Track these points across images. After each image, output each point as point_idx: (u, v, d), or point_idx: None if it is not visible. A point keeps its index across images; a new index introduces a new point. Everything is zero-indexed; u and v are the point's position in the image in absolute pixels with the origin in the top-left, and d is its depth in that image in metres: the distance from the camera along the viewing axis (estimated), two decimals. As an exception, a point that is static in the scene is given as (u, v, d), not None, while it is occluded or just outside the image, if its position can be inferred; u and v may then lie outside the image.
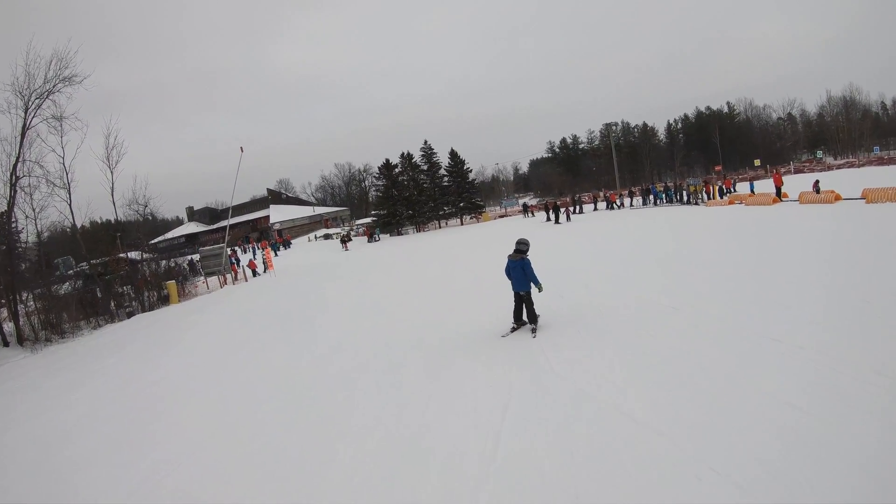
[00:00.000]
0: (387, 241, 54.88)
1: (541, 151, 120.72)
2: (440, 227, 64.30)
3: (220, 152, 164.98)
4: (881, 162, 59.42)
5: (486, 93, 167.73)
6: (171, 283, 30.08)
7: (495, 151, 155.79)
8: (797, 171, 62.60)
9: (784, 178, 35.71)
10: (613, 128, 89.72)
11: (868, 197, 23.49)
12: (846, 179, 36.37)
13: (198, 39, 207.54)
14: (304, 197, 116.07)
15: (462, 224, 64.66)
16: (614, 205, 45.31)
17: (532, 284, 10.02)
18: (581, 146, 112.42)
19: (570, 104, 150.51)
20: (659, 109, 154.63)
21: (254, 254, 51.53)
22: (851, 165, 62.53)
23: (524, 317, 10.47)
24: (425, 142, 67.19)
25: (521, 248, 10.27)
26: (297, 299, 21.62)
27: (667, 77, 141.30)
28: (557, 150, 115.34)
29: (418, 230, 64.52)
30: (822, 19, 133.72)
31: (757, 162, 68.03)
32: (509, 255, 10.37)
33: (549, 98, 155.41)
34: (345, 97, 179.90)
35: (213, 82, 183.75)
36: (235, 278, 34.95)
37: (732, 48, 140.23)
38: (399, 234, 63.16)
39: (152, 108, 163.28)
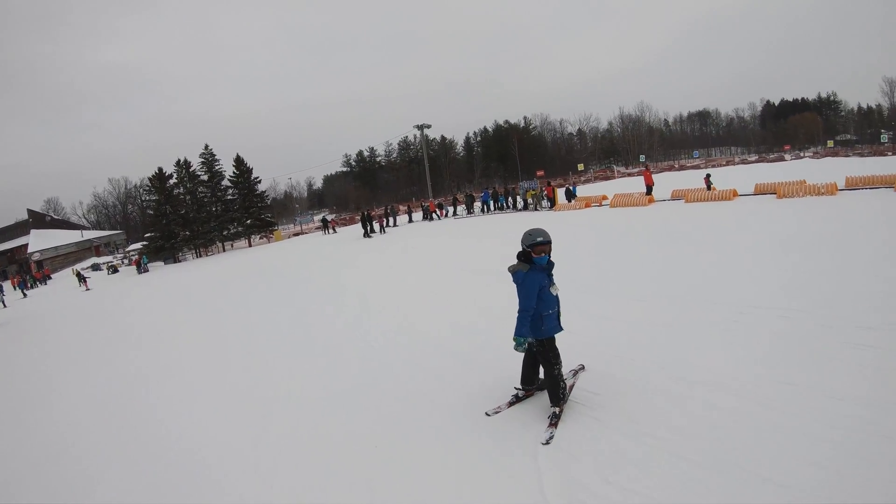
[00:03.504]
0: (158, 272, 44.01)
1: (336, 165, 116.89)
2: (224, 250, 56.68)
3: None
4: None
5: (283, 105, 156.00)
6: None
7: (288, 166, 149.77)
8: (597, 178, 70.94)
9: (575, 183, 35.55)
10: (412, 139, 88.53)
11: (780, 192, 25.18)
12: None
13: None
14: (75, 219, 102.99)
15: (250, 245, 57.67)
16: (434, 215, 42.38)
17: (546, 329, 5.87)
18: (378, 159, 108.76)
19: (364, 117, 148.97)
20: (460, 125, 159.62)
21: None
22: (640, 173, 68.55)
23: (542, 382, 6.51)
24: (206, 146, 58.49)
25: (530, 245, 5.79)
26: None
27: (470, 93, 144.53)
28: (354, 163, 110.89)
29: (199, 255, 56.00)
30: (620, 50, 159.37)
31: (540, 172, 70.06)
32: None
33: (348, 111, 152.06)
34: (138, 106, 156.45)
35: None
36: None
37: (534, 69, 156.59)
38: (176, 260, 53.96)
39: None
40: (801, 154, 76.03)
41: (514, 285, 5.76)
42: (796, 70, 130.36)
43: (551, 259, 5.90)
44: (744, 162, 75.94)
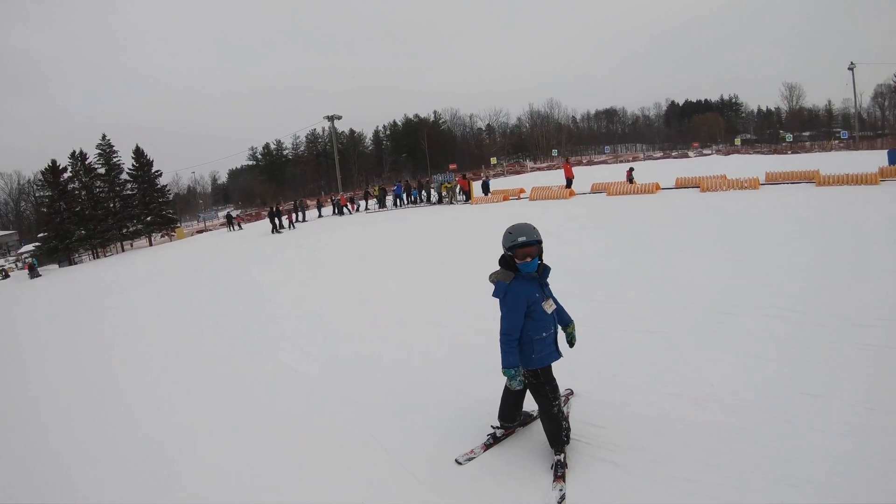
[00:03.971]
0: (52, 277, 38.33)
1: (242, 158, 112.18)
2: (123, 250, 51.80)
3: None
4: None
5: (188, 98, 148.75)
6: None
7: (192, 159, 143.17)
8: (509, 172, 72.63)
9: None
10: (321, 132, 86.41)
11: (703, 186, 25.37)
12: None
13: None
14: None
15: (151, 244, 53.11)
16: (345, 209, 39.69)
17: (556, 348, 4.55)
18: (286, 152, 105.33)
19: (271, 110, 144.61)
20: (370, 119, 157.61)
21: None
22: (551, 167, 73.76)
23: (526, 418, 5.17)
24: (104, 137, 53.54)
25: (511, 247, 4.36)
26: None
27: (380, 88, 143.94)
28: (260, 156, 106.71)
29: (96, 256, 50.92)
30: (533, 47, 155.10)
31: (453, 166, 69.68)
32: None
33: (254, 103, 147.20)
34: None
35: None
36: None
37: (447, 65, 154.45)
38: (71, 262, 48.58)
39: None
40: (705, 151, 78.78)
41: (496, 300, 4.44)
42: (701, 73, 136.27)
43: (544, 263, 4.47)
44: (649, 158, 77.99)
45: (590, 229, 17.09)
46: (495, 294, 4.35)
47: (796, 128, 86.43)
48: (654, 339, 6.95)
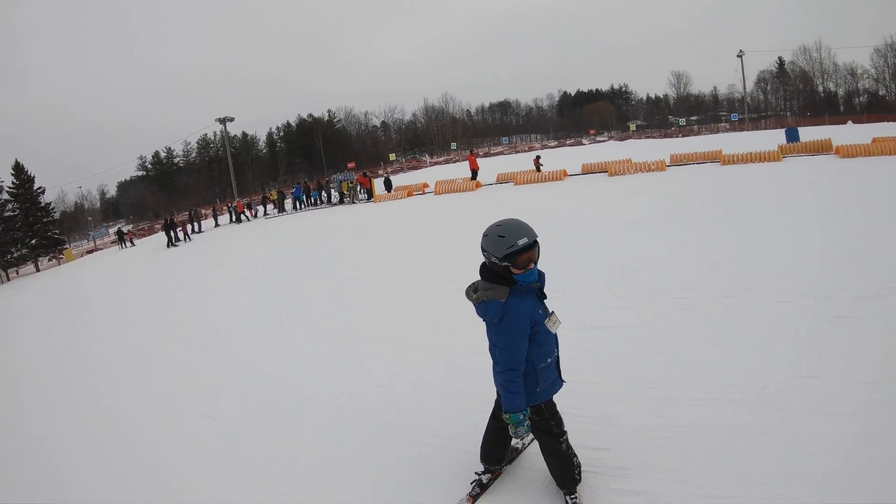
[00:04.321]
0: None
1: (131, 169, 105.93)
2: (9, 279, 46.03)
3: None
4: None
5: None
6: None
7: (77, 173, 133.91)
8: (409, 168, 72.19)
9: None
10: (213, 136, 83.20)
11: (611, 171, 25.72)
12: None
13: None
14: None
15: (38, 270, 47.11)
16: (243, 216, 37.52)
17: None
18: (177, 160, 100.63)
19: (159, 115, 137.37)
20: (262, 121, 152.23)
21: None
22: (448, 161, 74.74)
23: (514, 455, 4.29)
24: None
25: (506, 255, 3.21)
26: None
27: (272, 88, 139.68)
28: (150, 166, 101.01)
29: None
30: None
31: (351, 164, 68.45)
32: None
33: (143, 108, 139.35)
34: None
35: None
36: None
37: (339, 62, 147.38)
38: None
39: None
40: (599, 138, 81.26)
41: (484, 323, 3.43)
42: (592, 64, 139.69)
43: (540, 270, 3.45)
44: (544, 147, 79.27)
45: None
46: (487, 317, 3.32)
47: (684, 113, 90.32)
48: (614, 334, 6.40)
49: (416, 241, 15.82)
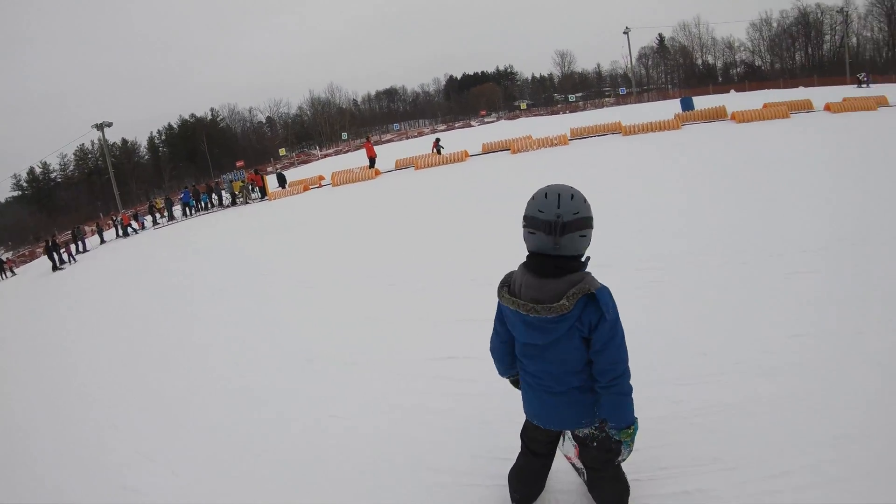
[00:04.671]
0: None
1: (5, 191, 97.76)
2: None
3: None
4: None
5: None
6: None
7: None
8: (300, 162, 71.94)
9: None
10: (90, 145, 78.40)
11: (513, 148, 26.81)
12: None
13: None
14: None
15: None
16: (130, 228, 34.99)
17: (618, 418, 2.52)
18: (54, 175, 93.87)
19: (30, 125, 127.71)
20: (141, 124, 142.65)
21: None
22: (338, 153, 75.17)
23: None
24: None
25: (588, 228, 2.38)
26: None
27: (149, 87, 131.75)
28: (25, 184, 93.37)
29: None
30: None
31: (240, 163, 66.45)
32: (507, 288, 2.55)
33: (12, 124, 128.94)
34: None
35: None
36: None
37: (219, 57, 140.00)
38: None
39: None
40: (487, 120, 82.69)
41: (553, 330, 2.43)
42: (478, 47, 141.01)
43: None
44: (433, 131, 79.73)
45: (429, 203, 16.17)
46: (585, 321, 2.34)
47: (569, 90, 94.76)
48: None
49: (329, 237, 14.73)
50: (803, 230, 7.43)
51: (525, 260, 2.48)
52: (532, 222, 2.33)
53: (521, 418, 2.95)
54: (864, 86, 43.35)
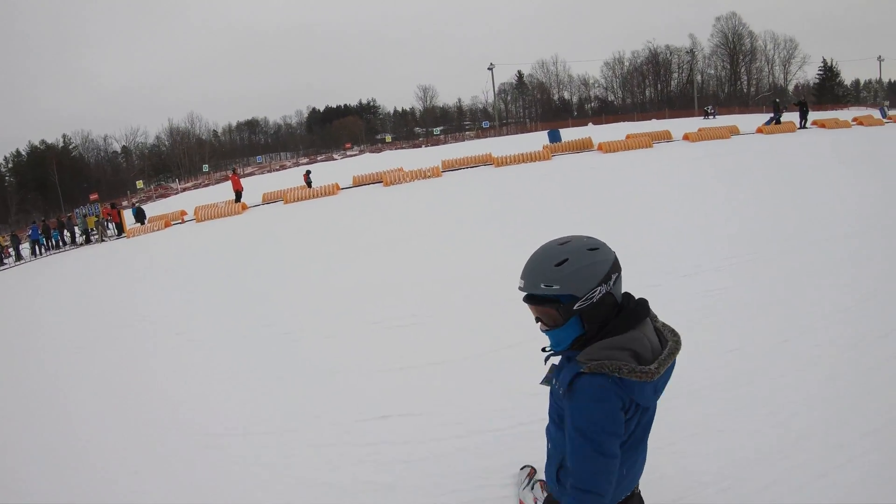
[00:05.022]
0: None
1: None
2: None
3: None
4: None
5: None
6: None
7: None
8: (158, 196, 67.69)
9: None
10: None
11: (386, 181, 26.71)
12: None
13: None
14: None
15: None
16: None
17: None
18: None
19: None
20: None
21: None
22: (197, 186, 71.72)
23: None
24: None
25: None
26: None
27: None
28: None
29: None
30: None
31: (94, 196, 62.52)
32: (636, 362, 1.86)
33: None
34: None
35: None
36: None
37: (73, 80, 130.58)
38: None
39: None
40: (349, 153, 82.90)
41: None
42: (340, 79, 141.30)
43: None
44: (297, 164, 78.62)
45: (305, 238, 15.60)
46: (659, 392, 1.96)
47: (430, 124, 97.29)
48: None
49: (203, 279, 12.93)
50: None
51: (622, 317, 1.94)
52: (616, 265, 1.94)
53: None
54: (710, 117, 49.28)
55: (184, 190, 71.32)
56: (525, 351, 4.53)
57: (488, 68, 73.39)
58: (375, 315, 7.52)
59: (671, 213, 11.15)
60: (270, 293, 10.05)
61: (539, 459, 3.24)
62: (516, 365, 4.95)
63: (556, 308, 1.90)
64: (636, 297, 2.01)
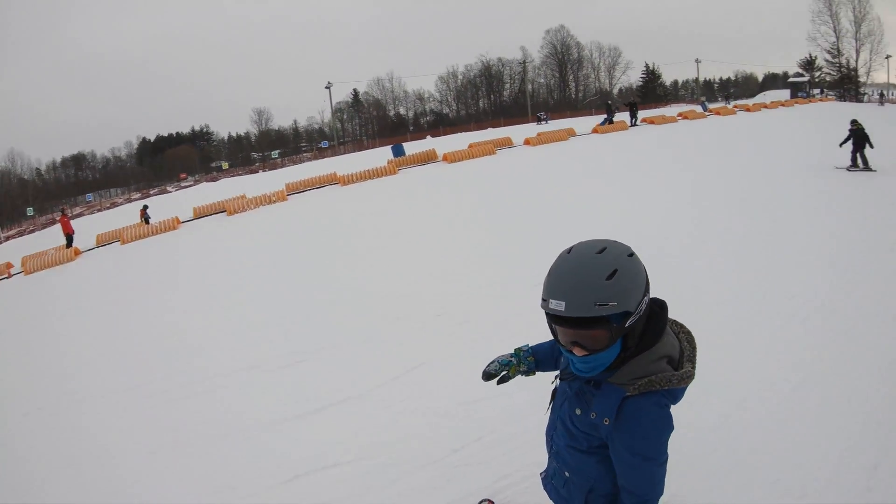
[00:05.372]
0: None
1: None
2: None
3: None
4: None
5: None
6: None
7: None
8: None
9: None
10: None
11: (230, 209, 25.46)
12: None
13: None
14: None
15: None
16: None
17: None
18: None
19: None
20: None
21: None
22: (22, 233, 65.81)
23: None
24: None
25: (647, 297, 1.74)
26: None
27: None
28: None
29: None
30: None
31: None
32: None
33: None
34: None
35: None
36: None
37: None
38: None
39: None
40: (183, 184, 79.97)
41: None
42: (170, 106, 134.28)
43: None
44: (128, 200, 74.44)
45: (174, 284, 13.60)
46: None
47: (266, 147, 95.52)
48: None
49: (46, 343, 10.77)
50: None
51: (652, 324, 1.77)
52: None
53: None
54: (543, 122, 52.64)
55: (8, 239, 65.37)
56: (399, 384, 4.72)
57: (326, 87, 72.98)
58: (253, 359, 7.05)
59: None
60: (135, 344, 8.96)
61: (486, 486, 3.26)
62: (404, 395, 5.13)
63: (608, 328, 1.63)
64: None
